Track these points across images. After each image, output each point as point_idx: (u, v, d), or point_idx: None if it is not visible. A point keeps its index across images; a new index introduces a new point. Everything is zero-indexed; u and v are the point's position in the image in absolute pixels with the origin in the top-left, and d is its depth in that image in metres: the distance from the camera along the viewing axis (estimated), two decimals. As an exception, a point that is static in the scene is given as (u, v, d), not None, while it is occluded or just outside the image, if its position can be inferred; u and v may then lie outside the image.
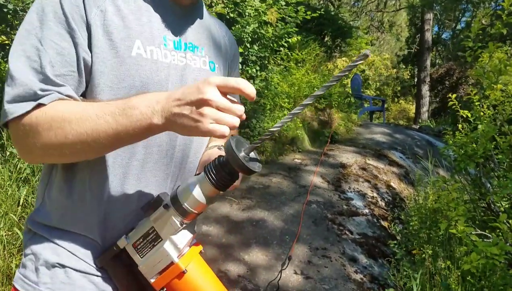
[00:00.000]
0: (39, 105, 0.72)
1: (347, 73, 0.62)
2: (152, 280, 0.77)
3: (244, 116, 0.69)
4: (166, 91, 0.75)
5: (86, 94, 0.81)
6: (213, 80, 0.66)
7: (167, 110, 0.68)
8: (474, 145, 2.86)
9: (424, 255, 3.04)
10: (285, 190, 4.18)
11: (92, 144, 0.72)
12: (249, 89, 0.67)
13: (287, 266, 2.93)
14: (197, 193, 0.73)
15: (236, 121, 0.67)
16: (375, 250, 3.44)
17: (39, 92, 0.72)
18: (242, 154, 0.69)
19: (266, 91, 4.94)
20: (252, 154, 0.72)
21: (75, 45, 0.77)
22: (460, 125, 3.31)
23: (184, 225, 0.75)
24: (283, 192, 4.11)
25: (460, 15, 19.15)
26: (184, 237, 0.77)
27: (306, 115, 6.21)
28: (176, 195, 0.74)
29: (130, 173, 0.84)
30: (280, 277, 2.76)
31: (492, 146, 2.75)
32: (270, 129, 0.69)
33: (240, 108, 0.68)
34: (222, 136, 0.66)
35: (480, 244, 1.75)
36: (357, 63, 0.60)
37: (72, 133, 0.71)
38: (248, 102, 4.60)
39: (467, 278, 2.61)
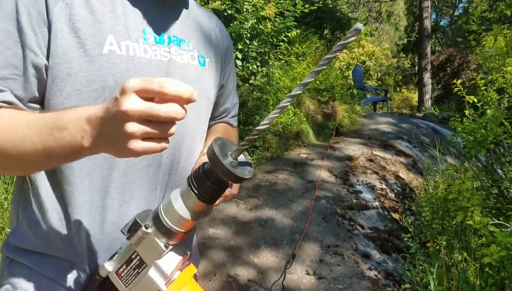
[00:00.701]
0: None
1: (338, 54, 0.53)
2: None
3: (183, 115, 0.53)
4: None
5: (48, 101, 0.71)
6: (129, 86, 0.51)
7: (95, 130, 0.55)
8: (483, 131, 2.77)
9: (438, 247, 2.97)
10: (292, 186, 4.11)
11: (20, 161, 0.61)
12: (181, 89, 0.52)
13: (290, 265, 2.85)
14: (181, 208, 0.62)
15: (173, 129, 0.54)
16: (388, 245, 3.37)
17: None
18: (228, 159, 0.59)
19: (268, 86, 4.86)
20: (241, 157, 0.63)
21: (23, 45, 0.67)
22: (467, 111, 3.22)
23: (170, 247, 0.65)
24: (290, 189, 4.04)
25: (457, 1, 18.95)
26: (172, 260, 0.66)
27: (310, 109, 6.12)
28: (158, 213, 0.63)
29: (111, 186, 0.75)
30: (284, 277, 2.69)
31: (501, 131, 2.66)
32: (257, 128, 0.59)
33: (174, 109, 0.52)
34: (162, 150, 0.55)
35: (499, 235, 1.67)
36: (348, 40, 0.51)
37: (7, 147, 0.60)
38: (251, 99, 4.53)
39: (486, 270, 2.53)
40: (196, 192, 0.62)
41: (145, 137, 0.53)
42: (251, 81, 4.71)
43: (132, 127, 0.51)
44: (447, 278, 2.65)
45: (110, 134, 0.54)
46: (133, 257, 0.65)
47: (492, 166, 2.73)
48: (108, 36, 0.72)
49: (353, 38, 0.50)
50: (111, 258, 0.68)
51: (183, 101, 0.53)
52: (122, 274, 0.66)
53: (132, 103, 0.51)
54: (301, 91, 0.57)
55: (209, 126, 1.01)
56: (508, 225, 2.04)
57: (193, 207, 0.62)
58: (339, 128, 6.15)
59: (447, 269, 2.72)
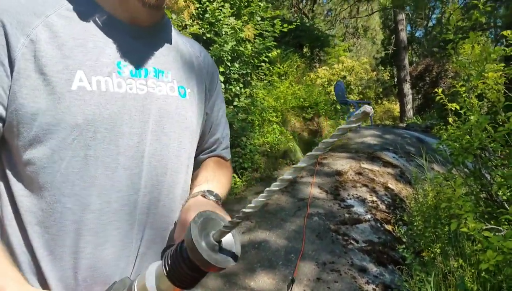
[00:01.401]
0: None
1: (337, 138, 0.45)
2: None
3: None
4: None
5: (15, 142, 0.68)
6: None
7: None
8: (468, 137, 2.82)
9: (433, 255, 2.97)
10: (284, 205, 4.09)
11: None
12: None
13: (291, 290, 2.81)
14: (151, 287, 0.56)
15: None
16: (383, 257, 3.35)
17: None
18: (209, 242, 0.53)
19: (252, 107, 4.88)
20: (228, 237, 0.56)
21: None
22: (450, 119, 3.27)
23: None
24: (282, 208, 4.01)
25: (430, 12, 19.62)
26: None
27: (296, 126, 6.16)
28: (132, 288, 0.59)
29: (84, 228, 0.69)
30: None
31: (486, 136, 2.71)
32: (244, 210, 0.52)
33: None
34: None
35: (495, 240, 1.68)
36: (352, 125, 0.42)
37: None
38: (236, 120, 4.54)
39: (482, 274, 2.53)
40: (170, 275, 0.55)
41: None
42: (235, 103, 4.73)
43: None
44: (445, 285, 2.64)
45: None
46: None
47: (480, 171, 2.77)
48: (77, 72, 0.69)
49: (359, 122, 0.42)
50: None
51: None
52: None
53: None
54: (291, 177, 0.49)
55: (200, 161, 0.97)
56: (501, 228, 2.05)
57: (164, 288, 0.57)
58: (325, 143, 6.18)
59: (443, 276, 2.71)
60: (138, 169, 0.74)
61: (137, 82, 0.76)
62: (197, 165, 0.95)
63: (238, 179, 4.55)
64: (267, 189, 0.50)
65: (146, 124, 0.76)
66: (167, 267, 0.56)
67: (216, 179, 0.91)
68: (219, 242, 0.55)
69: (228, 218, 0.65)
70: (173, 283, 0.56)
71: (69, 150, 0.68)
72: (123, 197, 0.72)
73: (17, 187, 0.69)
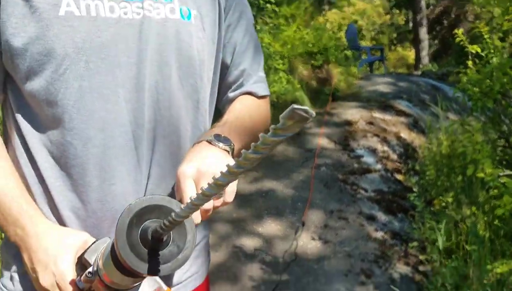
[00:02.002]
0: None
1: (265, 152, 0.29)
2: None
3: None
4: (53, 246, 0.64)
5: (15, 78, 0.67)
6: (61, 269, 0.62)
7: (22, 252, 0.66)
8: (489, 81, 2.66)
9: (444, 204, 2.92)
10: (291, 156, 4.03)
11: None
12: None
13: (301, 233, 2.82)
14: (102, 263, 0.53)
15: None
16: (392, 206, 3.31)
17: None
18: (134, 239, 0.45)
19: (258, 54, 4.69)
20: (179, 232, 0.47)
21: None
22: (469, 62, 3.09)
23: None
24: (289, 159, 3.96)
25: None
26: None
27: (303, 75, 5.95)
28: (97, 266, 0.55)
29: (89, 163, 0.68)
30: (296, 245, 2.65)
31: (508, 80, 2.55)
32: (177, 212, 0.40)
33: None
34: None
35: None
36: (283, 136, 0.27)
37: None
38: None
39: (495, 222, 2.49)
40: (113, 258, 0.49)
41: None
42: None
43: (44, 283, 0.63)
44: (456, 233, 2.61)
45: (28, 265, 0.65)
46: (92, 288, 0.60)
47: (499, 117, 2.63)
48: None
49: (295, 129, 0.27)
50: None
51: None
52: None
53: (46, 282, 0.63)
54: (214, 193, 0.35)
55: (229, 101, 0.84)
56: (518, 175, 1.96)
57: (105, 267, 0.52)
58: (335, 93, 6.00)
59: (454, 225, 2.68)
60: (140, 103, 0.69)
61: (132, 5, 0.68)
62: (226, 104, 0.84)
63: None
64: (198, 196, 0.36)
65: (144, 53, 0.69)
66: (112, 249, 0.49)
67: (237, 122, 0.77)
68: (156, 237, 0.44)
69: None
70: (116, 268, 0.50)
71: (63, 81, 0.65)
72: (126, 132, 0.69)
73: (24, 120, 0.69)
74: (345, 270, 2.57)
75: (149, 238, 0.45)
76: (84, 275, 0.58)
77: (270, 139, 0.27)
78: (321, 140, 4.35)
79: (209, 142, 0.67)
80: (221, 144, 0.67)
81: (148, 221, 0.46)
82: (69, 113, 0.66)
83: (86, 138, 0.67)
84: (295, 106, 0.25)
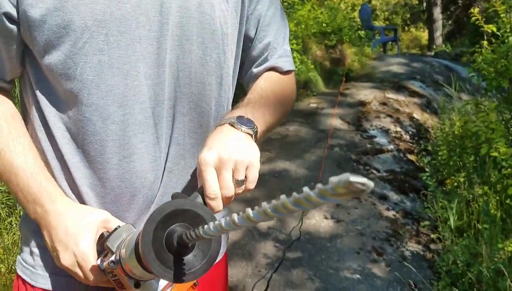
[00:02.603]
0: None
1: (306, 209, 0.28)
2: None
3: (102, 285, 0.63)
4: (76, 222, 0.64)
5: (33, 50, 0.65)
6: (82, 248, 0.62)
7: (42, 230, 0.66)
8: (504, 60, 2.63)
9: (456, 184, 2.94)
10: (304, 137, 4.06)
11: None
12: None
13: (307, 213, 2.86)
14: (135, 267, 0.52)
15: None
16: (404, 185, 3.34)
17: None
18: (167, 243, 0.45)
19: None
20: (192, 256, 0.47)
21: None
22: (485, 42, 3.05)
23: (141, 284, 0.58)
24: (302, 140, 3.99)
25: None
26: (152, 290, 0.59)
27: (317, 55, 5.92)
28: (120, 256, 0.55)
29: (108, 139, 0.66)
30: (302, 224, 2.70)
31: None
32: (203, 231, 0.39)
33: (90, 278, 0.62)
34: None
35: (526, 165, 1.61)
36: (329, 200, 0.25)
37: None
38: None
39: (507, 201, 2.50)
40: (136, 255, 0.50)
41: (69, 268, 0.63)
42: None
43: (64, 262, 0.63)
44: (467, 212, 2.64)
45: (48, 243, 0.65)
46: (114, 273, 0.60)
47: (513, 96, 2.62)
48: None
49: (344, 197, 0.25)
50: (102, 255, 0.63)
51: None
52: (113, 279, 0.61)
53: (67, 261, 0.63)
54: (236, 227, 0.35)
55: (254, 76, 0.81)
56: (532, 155, 1.97)
57: (131, 266, 0.52)
58: (349, 73, 5.97)
59: (466, 204, 2.70)
60: (161, 79, 0.67)
61: None
62: (251, 81, 0.81)
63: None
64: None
65: (165, 27, 0.66)
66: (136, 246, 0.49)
67: (261, 101, 0.73)
68: (185, 244, 0.44)
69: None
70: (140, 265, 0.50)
71: (81, 55, 0.62)
72: (146, 109, 0.66)
73: (42, 94, 0.67)
74: (357, 248, 2.62)
75: (174, 243, 0.44)
76: (106, 262, 0.58)
77: (314, 199, 0.25)
78: (334, 121, 4.36)
79: (232, 125, 0.65)
80: (244, 128, 0.65)
81: (174, 225, 0.45)
82: (87, 89, 0.64)
83: (105, 115, 0.65)
84: (352, 178, 0.23)
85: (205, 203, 0.60)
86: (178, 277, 0.45)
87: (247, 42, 0.79)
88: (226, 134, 0.64)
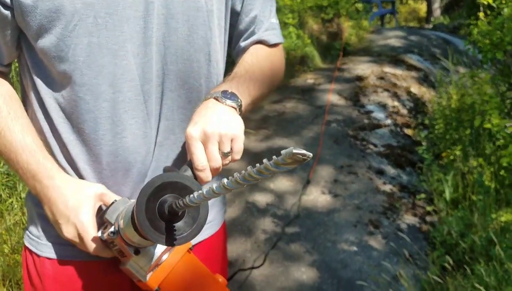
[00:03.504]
0: None
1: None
2: (135, 281, 0.67)
3: (102, 255, 0.66)
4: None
5: (28, 35, 0.67)
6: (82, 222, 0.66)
7: (43, 205, 0.69)
8: (500, 32, 2.62)
9: (452, 157, 2.97)
10: (301, 113, 4.06)
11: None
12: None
13: (305, 190, 2.91)
14: (131, 234, 0.57)
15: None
16: (401, 159, 3.38)
17: None
18: (159, 211, 0.50)
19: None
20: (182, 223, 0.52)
21: None
22: (481, 14, 3.03)
23: (141, 251, 0.62)
24: (299, 116, 4.00)
25: None
26: (151, 255, 0.64)
27: (313, 29, 5.84)
28: (119, 227, 0.60)
29: (101, 117, 0.69)
30: (300, 203, 2.75)
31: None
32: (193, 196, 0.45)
33: (91, 249, 0.66)
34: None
35: (518, 136, 1.63)
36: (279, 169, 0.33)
37: None
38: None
39: (501, 173, 2.54)
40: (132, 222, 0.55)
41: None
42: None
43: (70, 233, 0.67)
44: (463, 184, 2.68)
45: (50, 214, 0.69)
46: (114, 243, 0.64)
47: (508, 68, 2.62)
48: None
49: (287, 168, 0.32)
50: (102, 227, 0.66)
51: None
52: (114, 248, 0.65)
53: (69, 234, 0.67)
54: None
55: (242, 50, 0.83)
56: (526, 126, 1.99)
57: (128, 234, 0.57)
58: (346, 47, 5.91)
59: (462, 177, 2.74)
60: (148, 57, 0.69)
61: None
62: (239, 54, 0.83)
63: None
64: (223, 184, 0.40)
65: (150, 6, 0.68)
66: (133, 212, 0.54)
67: (246, 76, 0.75)
68: (175, 214, 0.50)
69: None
70: (136, 231, 0.55)
71: (73, 37, 0.65)
72: (135, 86, 0.69)
73: (37, 76, 0.70)
74: (354, 222, 2.68)
75: (166, 212, 0.50)
76: (106, 234, 0.63)
77: (271, 168, 0.32)
78: (331, 96, 4.36)
79: (216, 99, 0.67)
80: (228, 101, 0.67)
81: (164, 196, 0.51)
82: (80, 70, 0.67)
83: (97, 94, 0.68)
84: (295, 150, 0.30)
85: (194, 175, 0.64)
86: (170, 241, 0.51)
87: (234, 16, 0.80)
88: (211, 109, 0.66)
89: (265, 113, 4.09)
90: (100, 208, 0.68)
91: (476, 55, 2.74)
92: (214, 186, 0.40)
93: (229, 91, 0.69)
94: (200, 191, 0.43)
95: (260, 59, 0.80)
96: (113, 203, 0.64)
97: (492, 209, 2.32)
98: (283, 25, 5.02)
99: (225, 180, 0.38)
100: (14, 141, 0.68)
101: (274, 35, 0.83)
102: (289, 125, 3.82)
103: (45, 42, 0.66)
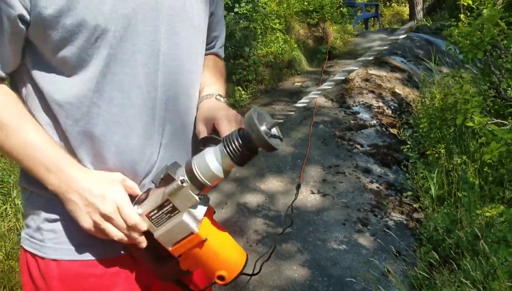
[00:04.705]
0: None
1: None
2: (170, 248, 0.75)
3: (140, 227, 0.72)
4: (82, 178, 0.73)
5: (46, 47, 0.71)
6: (116, 201, 0.72)
7: (69, 191, 0.72)
8: (479, 33, 2.70)
9: (437, 155, 3.04)
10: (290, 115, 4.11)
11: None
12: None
13: (296, 197, 2.95)
14: (216, 168, 0.70)
15: (122, 237, 0.73)
16: (387, 158, 3.45)
17: None
18: (263, 129, 0.65)
19: (254, 14, 4.65)
20: (273, 131, 0.68)
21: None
22: (462, 16, 3.11)
23: (201, 197, 0.73)
24: (288, 118, 4.04)
25: None
26: (202, 208, 0.75)
27: (300, 34, 5.92)
28: (192, 169, 0.70)
29: (111, 120, 0.76)
30: (292, 207, 2.79)
31: (498, 31, 2.59)
32: (295, 105, 0.66)
33: (133, 220, 0.72)
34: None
35: (499, 132, 1.70)
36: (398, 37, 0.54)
37: (4, 145, 0.71)
38: (238, 28, 4.36)
39: (485, 169, 2.61)
40: (233, 155, 0.68)
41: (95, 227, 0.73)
42: (236, 10, 4.51)
43: (96, 218, 0.72)
44: (448, 181, 2.75)
45: (79, 206, 0.72)
46: (165, 204, 0.72)
47: (489, 68, 2.70)
48: None
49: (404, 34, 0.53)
50: (137, 202, 0.74)
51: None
52: (153, 217, 0.73)
53: (112, 208, 0.72)
54: (343, 77, 0.62)
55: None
56: (506, 123, 2.06)
57: (226, 167, 0.70)
58: (331, 51, 6.00)
59: (446, 174, 2.81)
60: (155, 68, 0.78)
61: None
62: None
63: (243, 92, 4.52)
64: (318, 87, 0.61)
65: (158, 22, 0.77)
66: (230, 149, 0.68)
67: (219, 81, 0.96)
68: (270, 130, 0.66)
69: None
70: (232, 160, 0.68)
71: (94, 48, 0.72)
72: (143, 94, 0.77)
73: (46, 84, 0.74)
74: (342, 220, 2.73)
75: (269, 128, 0.66)
76: (172, 185, 0.71)
77: None
78: (319, 98, 4.42)
79: (217, 99, 0.88)
80: (223, 100, 0.89)
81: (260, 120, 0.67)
82: (96, 77, 0.73)
83: (108, 99, 0.75)
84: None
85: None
86: (277, 146, 0.66)
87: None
88: (219, 104, 0.87)
89: (254, 116, 4.12)
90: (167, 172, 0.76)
91: (456, 55, 2.82)
92: (323, 84, 0.63)
93: (219, 94, 0.90)
94: (308, 95, 0.64)
95: (218, 67, 1.02)
96: (164, 168, 0.74)
97: (477, 204, 2.38)
98: (271, 30, 5.08)
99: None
100: (30, 139, 0.72)
101: (223, 51, 1.08)
102: (278, 127, 3.86)
103: (66, 52, 0.71)
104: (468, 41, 2.62)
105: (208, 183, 0.70)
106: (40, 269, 0.79)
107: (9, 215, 2.20)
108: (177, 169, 0.72)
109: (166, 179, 0.71)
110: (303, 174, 3.17)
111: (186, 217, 0.72)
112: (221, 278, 0.76)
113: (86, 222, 0.73)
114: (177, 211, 0.72)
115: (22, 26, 0.70)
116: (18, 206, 2.22)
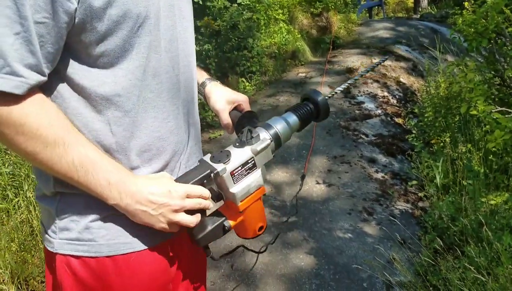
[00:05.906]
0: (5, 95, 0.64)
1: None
2: (238, 204, 0.82)
3: (193, 224, 0.79)
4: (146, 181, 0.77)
5: (86, 40, 0.71)
6: (181, 190, 0.76)
7: (133, 203, 0.74)
8: (484, 21, 2.69)
9: (442, 143, 3.05)
10: (294, 105, 4.12)
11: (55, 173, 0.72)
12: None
13: (301, 188, 2.98)
14: (289, 131, 0.89)
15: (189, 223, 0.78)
16: (392, 148, 3.46)
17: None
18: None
19: (257, 5, 4.64)
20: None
21: None
22: (466, 3, 3.09)
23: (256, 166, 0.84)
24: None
25: None
26: (249, 185, 0.84)
27: (303, 24, 5.90)
28: (277, 131, 0.87)
29: (151, 106, 0.79)
30: (298, 197, 2.81)
31: (502, 19, 2.58)
32: (348, 82, 1.03)
33: (205, 192, 0.79)
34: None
35: (503, 120, 1.71)
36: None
37: (43, 157, 0.69)
38: (241, 20, 4.35)
39: (489, 157, 2.62)
40: (301, 119, 0.92)
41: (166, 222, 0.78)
42: (239, 1, 4.49)
43: (167, 214, 0.77)
44: (452, 170, 2.76)
45: (148, 212, 0.76)
46: (249, 161, 0.82)
47: (493, 56, 2.69)
48: None
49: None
50: (219, 161, 0.80)
51: None
52: (236, 174, 0.81)
53: (180, 204, 0.78)
54: (381, 62, 0.89)
55: None
56: (511, 111, 2.07)
57: (294, 131, 0.92)
58: (335, 41, 5.97)
59: (451, 162, 2.82)
60: (176, 52, 0.83)
61: None
62: None
63: (247, 83, 4.53)
64: (360, 72, 0.80)
65: (173, 8, 0.82)
66: (299, 115, 0.92)
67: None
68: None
69: None
70: (302, 123, 0.92)
71: (136, 37, 0.74)
72: (171, 78, 0.82)
73: (88, 81, 0.73)
74: (348, 209, 2.75)
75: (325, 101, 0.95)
76: (261, 145, 0.83)
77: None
78: (323, 89, 4.42)
79: (223, 86, 1.04)
80: (219, 83, 1.05)
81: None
82: (143, 66, 0.76)
83: (143, 86, 0.77)
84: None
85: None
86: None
87: None
88: (225, 88, 1.04)
89: (259, 107, 4.14)
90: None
91: (461, 44, 2.81)
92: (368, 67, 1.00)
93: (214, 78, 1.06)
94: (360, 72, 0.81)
95: None
96: (246, 130, 0.86)
97: (481, 192, 2.39)
98: (274, 20, 5.07)
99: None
100: (88, 153, 0.71)
101: None
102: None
103: (110, 44, 0.72)
104: (472, 29, 2.61)
105: (283, 143, 0.87)
106: (93, 269, 0.78)
107: (21, 207, 2.25)
108: (259, 132, 0.86)
109: (255, 139, 0.82)
110: (308, 164, 3.19)
111: (260, 172, 0.83)
112: (261, 228, 0.89)
113: (161, 224, 0.77)
114: (255, 168, 0.83)
115: (71, 22, 0.68)
116: (30, 199, 2.26)
